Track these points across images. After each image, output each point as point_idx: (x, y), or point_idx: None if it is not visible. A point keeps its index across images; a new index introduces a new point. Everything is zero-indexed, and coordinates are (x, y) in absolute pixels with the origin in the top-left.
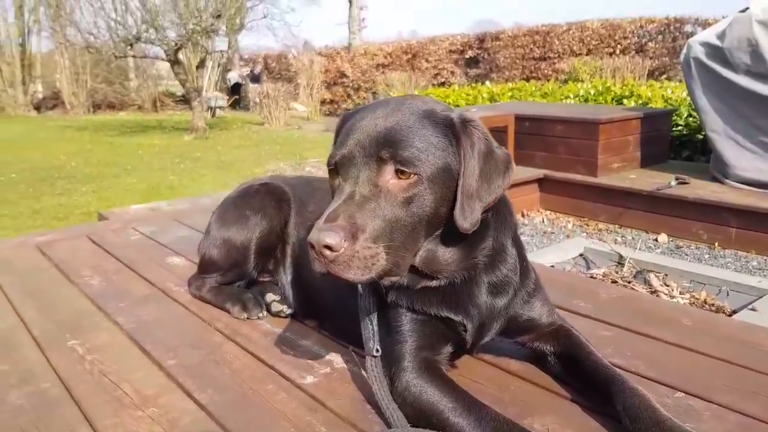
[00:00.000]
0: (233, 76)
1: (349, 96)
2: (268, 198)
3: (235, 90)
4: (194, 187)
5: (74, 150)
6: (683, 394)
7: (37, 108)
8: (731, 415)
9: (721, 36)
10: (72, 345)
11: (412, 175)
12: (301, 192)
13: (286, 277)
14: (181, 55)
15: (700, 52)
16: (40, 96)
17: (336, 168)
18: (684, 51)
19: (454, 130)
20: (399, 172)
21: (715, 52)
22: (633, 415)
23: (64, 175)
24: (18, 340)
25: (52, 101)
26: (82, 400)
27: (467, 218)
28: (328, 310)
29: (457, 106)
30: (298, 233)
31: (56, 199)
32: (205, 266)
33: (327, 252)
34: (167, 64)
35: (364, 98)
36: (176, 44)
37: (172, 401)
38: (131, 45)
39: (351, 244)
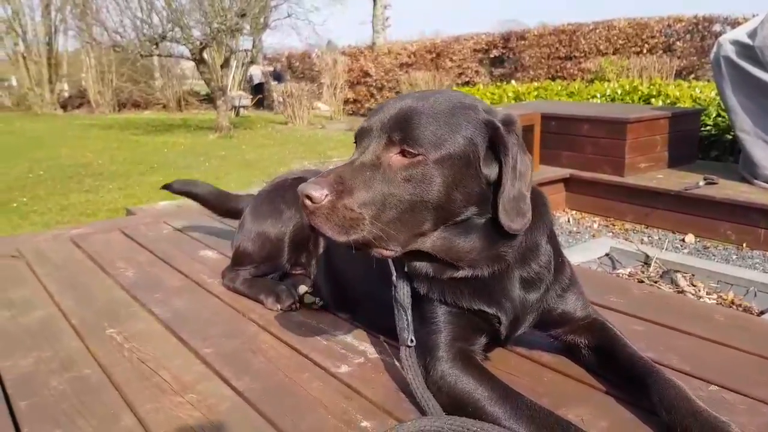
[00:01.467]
0: (256, 75)
1: (372, 95)
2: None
3: (258, 89)
4: (219, 186)
5: (100, 148)
6: (717, 387)
7: (64, 107)
8: (767, 409)
9: (752, 34)
10: (110, 333)
11: (416, 156)
12: None
13: (318, 269)
14: (205, 54)
15: (730, 51)
16: (66, 95)
17: (355, 140)
18: (714, 49)
19: (497, 134)
20: (404, 152)
21: (746, 50)
22: (668, 406)
23: (91, 173)
24: (58, 329)
25: (78, 100)
26: (122, 386)
27: (515, 220)
28: (360, 301)
29: None
30: None
31: (84, 195)
32: (239, 259)
33: (308, 202)
34: (192, 64)
35: (387, 98)
36: (201, 43)
37: (210, 388)
38: (157, 44)
39: (333, 201)
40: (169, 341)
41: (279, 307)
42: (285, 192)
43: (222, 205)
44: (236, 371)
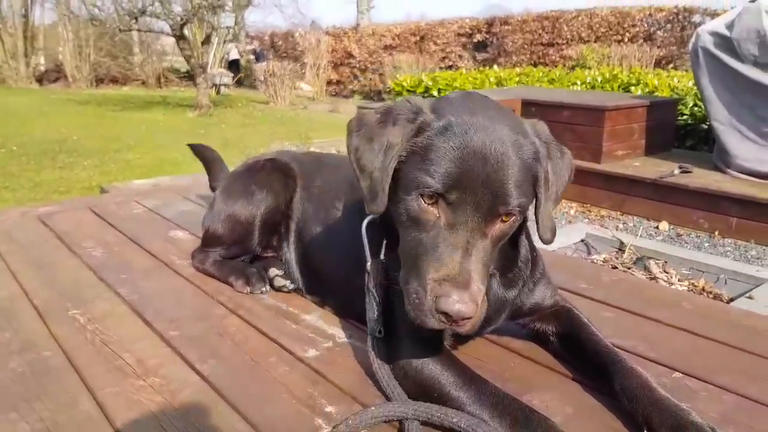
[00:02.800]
0: (232, 52)
1: (355, 77)
2: (274, 174)
3: (233, 66)
4: (198, 165)
5: (76, 124)
6: (681, 374)
7: (39, 80)
8: (728, 396)
9: (730, 26)
10: (73, 315)
11: (513, 216)
12: (308, 168)
13: (290, 252)
14: (186, 31)
15: (708, 42)
16: (43, 68)
17: (437, 202)
18: (692, 40)
19: (538, 158)
20: (505, 217)
21: (724, 42)
22: (631, 395)
23: (66, 149)
24: (19, 309)
25: (55, 74)
26: (82, 369)
27: (548, 233)
28: (331, 286)
29: (464, 89)
30: (303, 208)
31: (57, 172)
32: (209, 240)
33: (462, 321)
34: (172, 40)
35: (370, 79)
36: (182, 19)
37: (173, 372)
38: (136, 18)
39: (479, 307)
40: (134, 323)
41: (248, 290)
42: (257, 173)
43: (215, 180)
44: (202, 355)
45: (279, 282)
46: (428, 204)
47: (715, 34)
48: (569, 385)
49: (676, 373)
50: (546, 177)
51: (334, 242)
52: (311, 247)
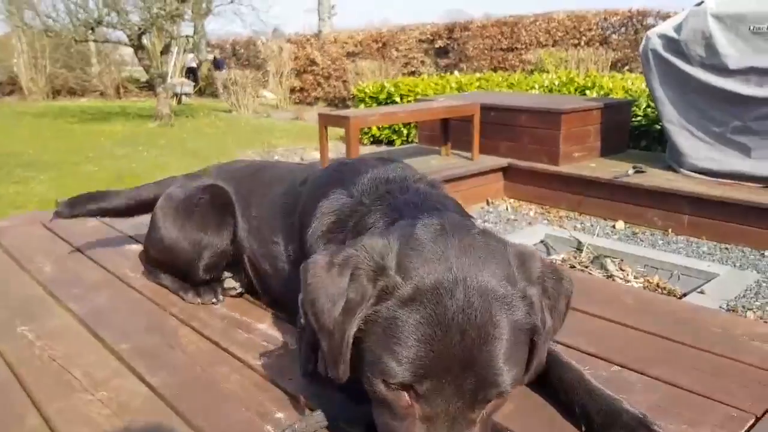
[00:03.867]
0: (189, 59)
1: (319, 84)
2: (212, 212)
3: (190, 75)
4: (159, 175)
5: (32, 137)
6: (619, 367)
7: None
8: (662, 386)
9: (678, 28)
10: (22, 331)
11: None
12: (245, 190)
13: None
14: (144, 40)
15: (657, 44)
16: None
17: (408, 390)
18: (643, 43)
19: (532, 310)
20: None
21: (672, 44)
22: (567, 388)
23: (22, 163)
24: None
25: (9, 87)
26: (29, 385)
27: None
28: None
29: (426, 95)
30: (247, 240)
31: (13, 187)
32: (152, 262)
33: None
34: (131, 50)
35: (334, 86)
36: (140, 29)
37: (123, 385)
38: (92, 29)
39: None
40: (84, 338)
41: (199, 301)
42: (193, 212)
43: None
44: (152, 367)
45: (229, 283)
46: (397, 389)
47: (664, 37)
48: None
49: (615, 366)
50: (544, 324)
51: (274, 255)
52: (259, 258)
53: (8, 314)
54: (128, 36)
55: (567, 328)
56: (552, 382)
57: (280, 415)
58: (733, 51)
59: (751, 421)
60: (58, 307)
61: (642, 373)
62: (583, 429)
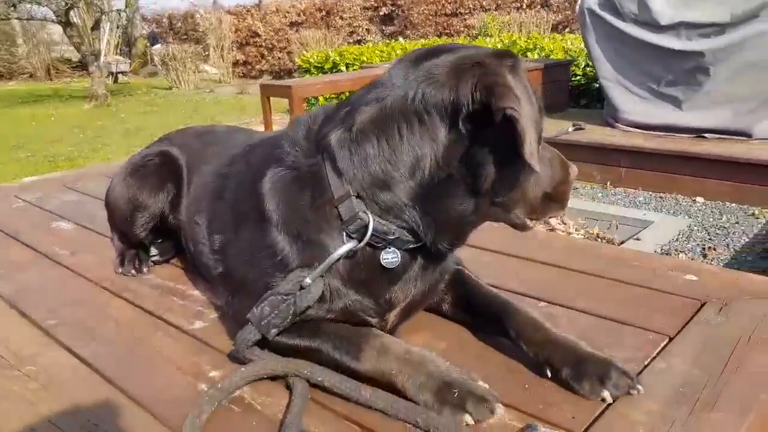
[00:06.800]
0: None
1: (263, 56)
2: (151, 175)
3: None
4: (96, 158)
5: None
6: (546, 303)
7: None
8: (584, 317)
9: None
10: None
11: None
12: (193, 159)
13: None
14: (73, 16)
15: (593, 3)
16: None
17: None
18: (579, 2)
19: None
20: None
21: (607, 2)
22: (527, 339)
23: None
24: None
25: None
26: None
27: None
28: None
29: (371, 63)
30: (188, 211)
31: None
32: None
33: None
34: (60, 28)
35: (278, 58)
36: (66, 4)
37: (51, 359)
38: (14, 5)
39: None
40: (10, 317)
41: (120, 270)
42: (137, 172)
43: None
44: (82, 340)
45: (153, 251)
46: None
47: None
48: (443, 323)
49: (542, 302)
50: None
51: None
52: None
53: None
54: (54, 12)
55: (501, 270)
56: (511, 335)
57: (214, 373)
58: (664, 7)
59: (665, 342)
60: None
61: (567, 307)
62: (549, 375)
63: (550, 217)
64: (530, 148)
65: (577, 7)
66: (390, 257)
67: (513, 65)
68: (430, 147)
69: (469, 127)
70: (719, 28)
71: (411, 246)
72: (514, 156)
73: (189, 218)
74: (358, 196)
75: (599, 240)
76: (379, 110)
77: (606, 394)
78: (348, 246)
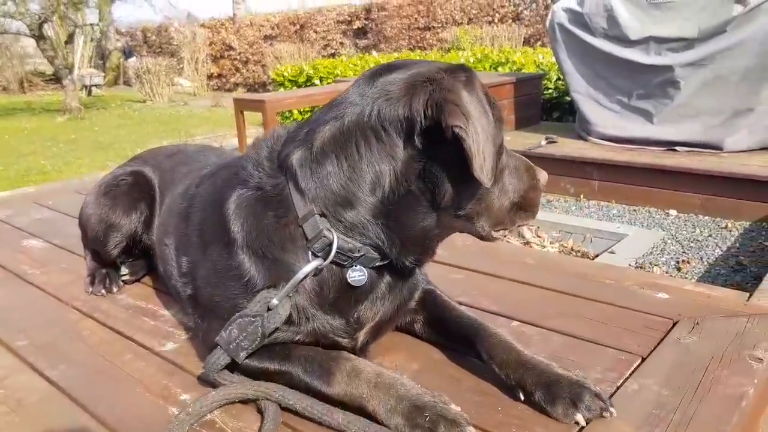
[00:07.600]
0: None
1: (237, 69)
2: (124, 195)
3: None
4: (69, 172)
5: None
6: (518, 322)
7: None
8: (556, 337)
9: (581, 2)
10: None
11: None
12: (165, 179)
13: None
14: (47, 30)
15: (563, 18)
16: None
17: None
18: (549, 17)
19: None
20: None
21: (576, 17)
22: (499, 362)
23: None
24: None
25: None
26: None
27: None
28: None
29: (345, 77)
30: (158, 232)
31: None
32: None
33: None
34: (33, 41)
35: (252, 71)
36: (40, 17)
37: (20, 381)
38: None
39: None
40: None
41: (91, 290)
42: (109, 192)
43: None
44: (51, 361)
45: (123, 270)
46: None
47: (569, 11)
48: (416, 344)
49: (514, 321)
50: None
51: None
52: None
53: None
54: (28, 26)
55: (472, 288)
56: (483, 357)
57: (185, 396)
58: (632, 22)
59: (638, 362)
60: None
61: (539, 326)
62: (522, 398)
63: (520, 226)
64: (480, 164)
65: (548, 22)
66: (357, 275)
67: (467, 79)
68: (389, 163)
69: (425, 143)
70: (687, 42)
71: (378, 263)
72: (468, 171)
73: (159, 239)
74: (322, 215)
75: (574, 253)
76: (337, 129)
77: (579, 417)
78: (313, 264)
